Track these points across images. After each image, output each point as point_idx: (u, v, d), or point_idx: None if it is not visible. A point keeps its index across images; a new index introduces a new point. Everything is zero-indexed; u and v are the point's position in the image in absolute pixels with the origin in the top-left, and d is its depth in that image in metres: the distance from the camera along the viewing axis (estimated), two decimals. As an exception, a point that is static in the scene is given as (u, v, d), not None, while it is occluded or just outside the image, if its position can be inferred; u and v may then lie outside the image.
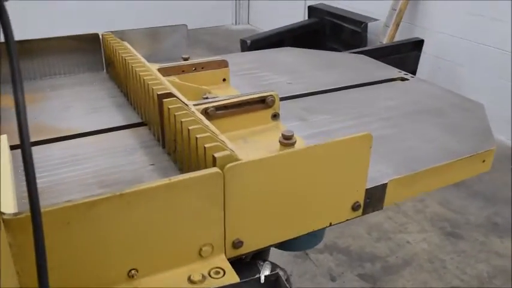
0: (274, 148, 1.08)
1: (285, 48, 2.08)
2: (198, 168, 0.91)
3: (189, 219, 0.80)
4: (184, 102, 1.08)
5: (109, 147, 1.17)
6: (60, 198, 0.94)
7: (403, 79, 1.73)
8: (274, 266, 1.02)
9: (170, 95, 1.09)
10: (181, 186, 0.76)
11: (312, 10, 5.09)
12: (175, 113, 1.00)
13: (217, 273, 0.82)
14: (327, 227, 1.00)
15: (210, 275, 0.81)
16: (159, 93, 1.09)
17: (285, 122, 1.24)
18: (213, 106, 1.12)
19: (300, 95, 1.53)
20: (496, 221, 2.83)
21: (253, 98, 1.17)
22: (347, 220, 1.02)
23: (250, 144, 1.14)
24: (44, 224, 0.59)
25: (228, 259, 0.86)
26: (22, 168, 0.58)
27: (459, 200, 3.00)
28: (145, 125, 1.28)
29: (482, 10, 3.83)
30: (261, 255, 1.11)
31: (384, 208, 1.10)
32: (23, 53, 1.54)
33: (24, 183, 0.58)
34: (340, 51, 4.42)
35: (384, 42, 4.47)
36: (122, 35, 1.63)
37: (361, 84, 1.65)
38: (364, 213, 1.04)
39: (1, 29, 0.49)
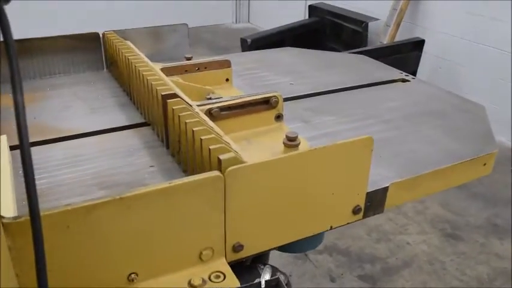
0: (278, 149, 1.08)
1: (286, 48, 2.07)
2: (202, 169, 0.91)
3: (190, 222, 0.79)
4: (188, 103, 1.08)
5: (111, 148, 1.16)
6: (60, 200, 0.94)
7: (404, 80, 1.72)
8: (274, 270, 1.02)
9: (174, 95, 1.09)
10: (182, 189, 0.76)
11: (312, 9, 5.09)
12: (180, 114, 1.00)
13: (218, 277, 0.81)
14: (327, 230, 1.00)
15: (210, 279, 0.81)
16: (163, 93, 1.09)
17: (287, 123, 1.23)
18: (217, 107, 1.12)
19: (302, 95, 1.52)
20: (496, 223, 2.83)
21: (257, 99, 1.17)
22: (347, 224, 1.02)
23: (254, 145, 1.14)
24: (44, 228, 0.59)
25: (228, 263, 0.86)
26: (22, 168, 0.58)
27: (459, 201, 2.99)
28: (149, 125, 1.27)
29: (482, 10, 3.83)
30: (261, 258, 1.10)
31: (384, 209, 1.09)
32: (22, 52, 1.53)
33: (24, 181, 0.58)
34: (340, 50, 4.42)
35: (385, 42, 4.46)
36: (122, 34, 1.62)
37: (362, 85, 1.64)
38: (364, 216, 1.03)
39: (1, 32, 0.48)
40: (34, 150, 1.14)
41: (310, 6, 5.12)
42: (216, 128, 1.00)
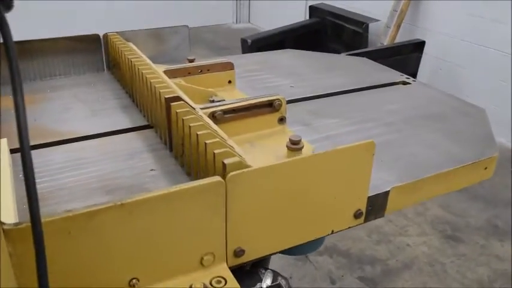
0: (282, 153, 1.09)
1: (287, 50, 2.07)
2: (206, 173, 0.92)
3: (191, 228, 0.79)
4: (191, 106, 1.08)
5: (113, 151, 1.16)
6: (61, 205, 0.94)
7: (405, 83, 1.72)
8: (275, 275, 1.01)
9: (178, 98, 1.09)
10: (183, 195, 0.76)
11: (313, 10, 5.08)
12: (184, 117, 1.00)
13: (219, 282, 0.81)
14: (328, 234, 1.00)
15: (211, 284, 0.81)
16: (166, 96, 1.09)
17: (289, 126, 1.23)
18: (220, 110, 1.12)
19: (303, 98, 1.52)
20: (497, 224, 2.83)
21: (261, 102, 1.17)
22: (349, 228, 1.01)
23: (257, 148, 1.14)
24: (44, 234, 0.59)
25: (229, 267, 0.86)
26: (22, 172, 0.58)
27: (459, 202, 2.99)
28: (151, 127, 1.27)
29: (483, 11, 3.83)
30: (261, 262, 1.10)
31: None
32: (22, 54, 1.53)
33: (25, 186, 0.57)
34: (341, 51, 4.42)
35: (385, 43, 4.46)
36: (124, 35, 1.62)
37: (363, 88, 1.64)
38: (366, 220, 1.03)
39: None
40: (34, 153, 1.14)
41: (310, 7, 5.12)
42: (219, 131, 1.00)
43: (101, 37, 1.63)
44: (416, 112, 1.47)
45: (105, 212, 0.70)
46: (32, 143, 1.18)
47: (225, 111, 1.13)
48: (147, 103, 1.27)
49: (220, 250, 0.84)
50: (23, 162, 0.59)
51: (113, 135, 1.25)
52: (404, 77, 1.76)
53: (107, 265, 0.74)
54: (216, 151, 0.86)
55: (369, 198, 1.01)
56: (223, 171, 0.82)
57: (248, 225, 0.86)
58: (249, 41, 4.41)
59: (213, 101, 1.31)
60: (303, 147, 1.07)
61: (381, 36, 4.55)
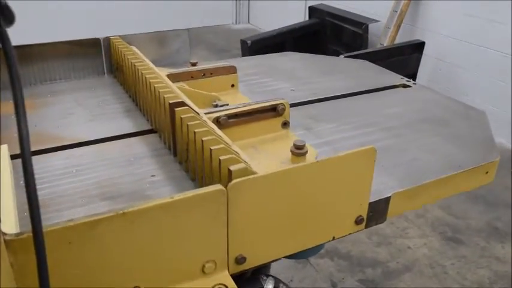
0: (286, 157, 1.10)
1: (286, 53, 2.07)
2: (211, 179, 0.92)
3: (192, 236, 0.79)
4: (196, 111, 1.08)
5: (116, 156, 1.16)
6: (62, 212, 0.94)
7: (405, 86, 1.72)
8: (277, 281, 1.01)
9: (182, 103, 1.09)
10: (184, 204, 0.75)
11: (312, 10, 5.08)
12: (188, 123, 1.00)
13: (220, 289, 0.81)
14: (329, 241, 0.99)
15: (213, 292, 0.81)
16: (171, 101, 1.09)
17: (289, 131, 1.23)
18: (224, 115, 1.12)
19: (304, 102, 1.52)
20: (497, 226, 2.83)
21: (265, 107, 1.18)
22: (350, 234, 1.01)
23: (261, 153, 1.14)
24: (46, 243, 0.59)
25: (231, 275, 0.86)
26: (23, 178, 0.58)
27: (460, 204, 2.99)
28: (155, 132, 1.27)
29: (482, 12, 3.82)
30: (262, 268, 1.10)
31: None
32: (23, 58, 1.53)
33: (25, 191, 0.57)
34: (341, 52, 4.42)
35: (385, 44, 4.46)
36: (125, 38, 1.62)
37: (363, 91, 1.64)
38: (367, 226, 1.03)
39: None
40: (35, 159, 1.13)
41: (310, 8, 5.11)
42: (224, 137, 1.01)
43: (101, 41, 1.63)
44: (417, 116, 1.46)
45: (106, 221, 0.70)
46: (32, 148, 1.17)
47: (229, 116, 1.13)
48: (150, 107, 1.27)
49: (221, 258, 0.84)
50: (26, 179, 0.58)
51: (116, 140, 1.25)
52: (404, 80, 1.76)
53: (108, 274, 0.74)
54: (221, 157, 0.86)
55: (370, 204, 1.01)
56: (229, 178, 0.83)
57: (249, 232, 0.86)
58: (249, 42, 4.41)
59: (216, 105, 1.31)
60: (307, 151, 1.07)
61: (381, 37, 4.55)
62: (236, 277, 0.86)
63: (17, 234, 0.65)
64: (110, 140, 1.24)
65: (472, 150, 1.28)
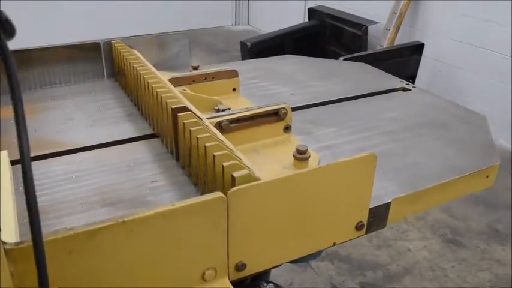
0: (288, 162, 1.10)
1: (285, 56, 2.07)
2: (215, 185, 0.93)
3: (192, 243, 0.79)
4: (198, 116, 1.08)
5: (118, 161, 1.15)
6: (63, 218, 0.94)
7: (405, 89, 1.72)
8: (277, 288, 1.01)
9: (185, 108, 1.09)
10: (184, 211, 0.75)
11: (311, 12, 5.08)
12: (191, 128, 1.00)
13: (221, 297, 0.81)
14: (330, 246, 0.99)
15: (213, 300, 0.80)
16: (173, 107, 1.09)
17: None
18: (226, 119, 1.13)
19: (303, 106, 1.52)
20: (497, 228, 2.83)
21: (266, 111, 1.18)
22: (350, 240, 1.01)
23: (263, 157, 1.15)
24: (46, 253, 0.59)
25: (231, 281, 0.86)
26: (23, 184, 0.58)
27: (460, 206, 2.99)
28: (157, 136, 1.27)
29: (482, 14, 3.82)
30: (262, 275, 1.10)
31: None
32: (22, 63, 1.53)
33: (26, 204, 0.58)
34: (340, 54, 4.42)
35: (384, 46, 4.46)
36: (125, 43, 1.62)
37: (363, 95, 1.64)
38: (367, 232, 1.03)
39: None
40: (35, 164, 1.14)
41: (309, 9, 5.11)
42: (227, 142, 1.01)
43: (101, 44, 1.63)
44: (417, 120, 1.46)
45: (106, 230, 0.70)
46: (32, 154, 1.17)
47: (231, 121, 1.14)
48: (153, 112, 1.27)
49: (221, 265, 0.84)
50: (27, 195, 0.58)
51: (117, 145, 1.24)
52: (404, 83, 1.76)
53: (109, 282, 0.73)
54: (224, 164, 0.87)
55: (371, 209, 1.00)
56: (232, 184, 0.83)
57: (250, 239, 0.85)
58: (248, 44, 4.41)
59: (218, 110, 1.31)
60: (309, 156, 1.07)
61: (380, 39, 4.55)
62: (236, 284, 0.86)
63: (17, 244, 0.65)
64: (111, 145, 1.24)
65: (472, 155, 1.28)
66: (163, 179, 1.08)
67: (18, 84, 0.43)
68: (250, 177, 0.84)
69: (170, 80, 1.35)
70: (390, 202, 1.05)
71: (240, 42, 4.49)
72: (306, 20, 5.25)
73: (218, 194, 0.78)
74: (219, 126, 1.12)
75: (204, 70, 1.49)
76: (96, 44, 1.63)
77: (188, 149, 1.04)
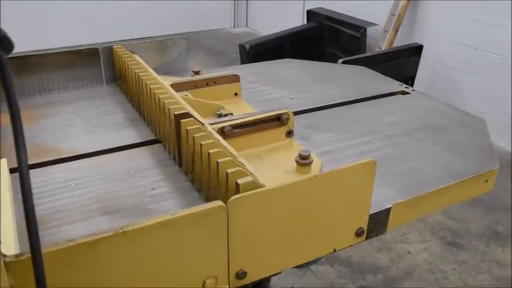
0: (290, 167, 1.10)
1: (285, 60, 2.07)
2: (218, 191, 0.93)
3: (192, 252, 0.79)
4: (201, 122, 1.08)
5: (119, 168, 1.15)
6: (62, 227, 0.94)
7: (404, 92, 1.72)
8: (278, 296, 1.01)
9: (187, 115, 1.09)
10: (185, 221, 0.75)
11: (310, 14, 5.08)
12: (194, 135, 1.00)
13: (221, 306, 0.81)
14: (330, 253, 0.99)
15: (213, 308, 0.80)
16: (176, 113, 1.09)
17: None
18: (229, 125, 1.13)
19: (303, 111, 1.52)
20: (497, 230, 2.83)
21: (269, 116, 1.18)
22: (350, 246, 1.01)
23: (266, 163, 1.15)
24: (46, 264, 0.59)
25: (232, 289, 0.86)
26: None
27: (459, 208, 2.99)
28: (160, 142, 1.27)
29: (480, 15, 3.83)
30: (263, 282, 1.10)
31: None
32: (21, 69, 1.53)
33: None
34: (339, 56, 4.42)
35: (383, 48, 4.46)
36: (126, 48, 1.62)
37: (362, 99, 1.64)
38: (367, 238, 1.03)
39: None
40: (34, 172, 1.14)
41: (308, 12, 5.11)
42: (230, 148, 1.01)
43: (100, 50, 1.63)
44: (416, 123, 1.46)
45: (106, 240, 0.70)
46: (31, 161, 1.17)
47: (234, 126, 1.14)
48: (155, 118, 1.27)
49: (222, 273, 0.84)
50: (26, 212, 0.58)
51: (118, 151, 1.24)
52: (403, 87, 1.76)
53: (108, 292, 0.73)
54: (228, 170, 0.87)
55: (371, 215, 1.00)
56: (236, 191, 0.83)
57: (250, 247, 0.85)
58: (247, 46, 4.41)
59: (220, 114, 1.32)
60: (312, 162, 1.08)
61: (379, 41, 4.56)
62: (237, 291, 0.86)
63: (17, 256, 0.64)
64: (111, 152, 1.24)
65: (471, 159, 1.28)
66: (166, 185, 1.08)
67: (16, 103, 0.43)
68: (255, 184, 0.84)
69: (172, 85, 1.35)
70: (390, 208, 1.05)
71: (239, 45, 4.49)
72: (305, 22, 5.25)
73: (218, 203, 0.78)
74: (221, 131, 1.12)
75: (205, 75, 1.49)
76: (95, 49, 1.63)
77: (191, 155, 1.04)
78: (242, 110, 1.40)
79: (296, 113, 1.49)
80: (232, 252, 0.83)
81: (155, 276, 0.76)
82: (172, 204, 1.02)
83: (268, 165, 1.14)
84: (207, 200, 1.01)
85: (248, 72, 1.88)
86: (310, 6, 5.24)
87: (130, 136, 1.32)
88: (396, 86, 1.77)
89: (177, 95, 1.24)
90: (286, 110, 1.20)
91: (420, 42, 4.06)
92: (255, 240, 0.85)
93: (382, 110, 1.56)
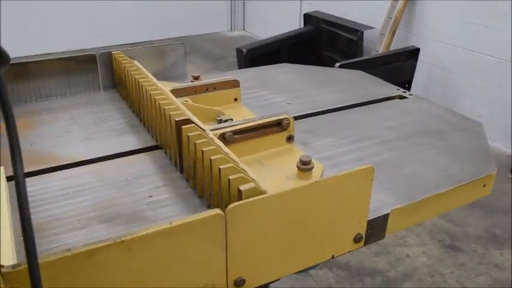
0: (291, 172, 1.10)
1: (281, 64, 2.08)
2: (220, 198, 0.93)
3: (190, 261, 0.79)
4: (202, 128, 1.09)
5: (119, 175, 1.15)
6: (61, 235, 0.93)
7: (401, 97, 1.72)
8: (277, 303, 1.01)
9: (188, 121, 1.10)
10: (182, 229, 0.75)
11: (307, 18, 5.10)
12: (196, 141, 1.00)
13: (220, 314, 0.81)
14: (329, 259, 0.99)
15: (212, 317, 0.80)
16: (177, 119, 1.09)
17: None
18: (230, 131, 1.13)
19: (300, 116, 1.52)
20: (495, 233, 2.83)
21: (270, 122, 1.18)
22: (348, 252, 1.01)
23: (267, 168, 1.15)
24: (44, 274, 0.58)
25: (230, 297, 0.85)
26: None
27: (457, 211, 2.99)
28: (160, 148, 1.27)
29: (477, 18, 3.85)
30: (262, 288, 1.10)
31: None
32: (18, 75, 1.53)
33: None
34: (336, 59, 4.43)
35: (380, 51, 4.48)
36: (125, 53, 1.62)
37: (360, 103, 1.64)
38: (365, 244, 1.03)
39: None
40: (32, 180, 1.13)
41: (305, 15, 5.13)
42: (231, 154, 1.01)
43: (97, 56, 1.63)
44: (414, 128, 1.47)
45: (104, 250, 0.70)
46: (28, 169, 1.17)
47: (235, 132, 1.14)
48: (155, 124, 1.28)
49: (220, 281, 0.84)
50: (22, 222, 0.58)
51: (118, 157, 1.24)
52: (400, 91, 1.76)
53: (106, 302, 0.73)
54: (230, 177, 0.87)
55: (369, 221, 1.00)
56: (239, 198, 0.83)
57: (249, 255, 0.85)
58: (244, 50, 4.41)
59: (220, 120, 1.32)
60: (313, 167, 1.08)
61: (375, 44, 4.57)
62: (235, 299, 0.86)
63: (14, 266, 0.64)
64: (111, 158, 1.24)
65: (469, 163, 1.28)
66: (168, 191, 1.08)
67: (12, 113, 0.43)
68: (257, 191, 0.84)
69: (172, 91, 1.35)
70: (388, 213, 1.05)
71: (236, 49, 4.50)
72: (302, 25, 5.26)
73: (216, 211, 0.77)
74: (222, 137, 1.12)
75: (205, 81, 1.50)
76: (92, 55, 1.63)
77: (193, 161, 1.04)
78: (242, 116, 1.40)
79: (294, 118, 1.49)
80: (231, 259, 0.83)
81: (153, 285, 0.76)
82: (174, 210, 1.02)
83: (269, 171, 1.14)
84: (209, 206, 1.02)
85: (245, 77, 1.88)
86: (308, 10, 5.25)
87: (131, 142, 1.32)
88: (394, 90, 1.78)
89: (178, 101, 1.25)
90: (286, 115, 1.21)
91: (417, 45, 4.07)
92: (254, 247, 0.85)
93: (380, 115, 1.56)
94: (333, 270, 2.47)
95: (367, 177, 0.94)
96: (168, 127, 1.15)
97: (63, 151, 1.27)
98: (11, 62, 0.51)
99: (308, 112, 1.56)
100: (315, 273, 2.43)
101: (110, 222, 0.97)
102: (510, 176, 3.39)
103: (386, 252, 2.62)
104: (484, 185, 1.24)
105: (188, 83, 1.49)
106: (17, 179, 0.48)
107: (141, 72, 1.43)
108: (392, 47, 4.44)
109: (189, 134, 1.04)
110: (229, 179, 0.87)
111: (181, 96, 1.39)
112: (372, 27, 4.45)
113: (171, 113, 1.13)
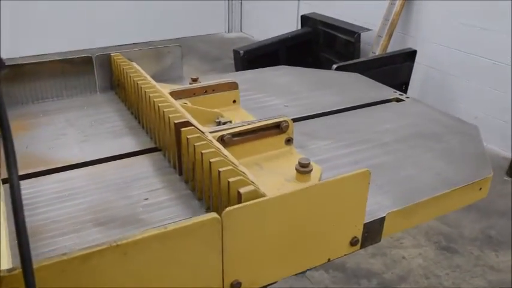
0: (290, 175, 1.10)
1: (279, 67, 2.08)
2: (220, 200, 0.93)
3: (187, 264, 0.79)
4: (201, 130, 1.09)
5: (117, 177, 1.15)
6: (56, 238, 0.93)
7: (398, 100, 1.73)
8: (273, 307, 1.01)
9: (188, 123, 1.10)
10: (178, 233, 0.75)
11: (304, 19, 5.10)
12: (195, 144, 1.00)
13: (216, 318, 0.81)
14: (325, 263, 0.99)
15: (208, 321, 0.80)
16: (176, 121, 1.10)
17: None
18: (229, 133, 1.13)
19: (298, 118, 1.52)
20: (490, 234, 2.84)
21: (268, 124, 1.18)
22: (345, 255, 1.01)
23: (266, 171, 1.15)
24: (39, 278, 0.59)
25: (226, 301, 0.85)
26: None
27: (453, 213, 2.99)
28: (159, 150, 1.27)
29: (474, 21, 3.86)
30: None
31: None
32: (14, 77, 1.52)
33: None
34: (333, 61, 4.44)
35: (377, 53, 4.48)
36: (124, 55, 1.62)
37: (357, 106, 1.65)
38: (362, 247, 1.03)
39: None
40: (27, 182, 1.13)
41: (302, 17, 5.13)
42: (230, 156, 1.02)
43: (93, 58, 1.63)
44: (410, 131, 1.47)
45: (100, 254, 0.69)
46: (24, 172, 1.16)
47: (234, 135, 1.14)
48: (154, 126, 1.28)
49: (216, 284, 0.84)
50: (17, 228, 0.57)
51: (116, 160, 1.24)
52: (397, 94, 1.77)
53: (102, 306, 0.73)
54: (230, 179, 0.87)
55: (365, 225, 1.01)
56: (239, 200, 0.83)
57: (245, 258, 0.85)
58: (242, 52, 4.42)
59: (219, 122, 1.32)
60: (312, 170, 1.08)
61: (372, 46, 4.58)
62: (232, 302, 0.86)
63: (9, 270, 0.64)
64: (109, 160, 1.23)
65: (465, 167, 1.29)
66: (167, 193, 1.09)
67: (6, 116, 0.43)
68: (256, 193, 0.84)
69: (171, 93, 1.35)
70: (384, 217, 1.05)
71: (233, 50, 4.50)
72: (299, 27, 5.27)
73: (212, 215, 0.78)
74: (221, 140, 1.12)
75: (204, 83, 1.50)
76: (88, 57, 1.63)
77: (192, 163, 1.04)
78: (241, 118, 1.40)
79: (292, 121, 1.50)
80: (227, 262, 0.83)
81: (149, 289, 0.76)
82: (172, 212, 1.02)
83: (267, 173, 1.14)
84: (208, 208, 1.02)
85: (242, 79, 1.87)
86: (305, 11, 5.26)
87: (128, 144, 1.32)
88: (390, 93, 1.78)
89: (177, 103, 1.25)
90: (285, 118, 1.21)
91: (414, 47, 4.08)
92: (251, 250, 0.85)
93: (377, 118, 1.57)
94: (329, 271, 2.47)
95: (364, 180, 0.94)
96: (167, 129, 1.15)
97: (59, 154, 1.27)
98: (6, 64, 0.51)
99: (305, 115, 1.56)
100: (311, 274, 2.43)
101: (105, 226, 0.97)
102: (506, 178, 3.40)
103: (382, 254, 2.62)
104: (480, 188, 1.24)
105: (187, 85, 1.49)
106: (12, 182, 0.48)
107: (140, 74, 1.43)
108: (390, 49, 4.45)
109: (188, 136, 1.04)
110: (228, 182, 0.88)
111: (180, 98, 1.39)
112: (369, 29, 4.46)
113: (170, 115, 1.13)
